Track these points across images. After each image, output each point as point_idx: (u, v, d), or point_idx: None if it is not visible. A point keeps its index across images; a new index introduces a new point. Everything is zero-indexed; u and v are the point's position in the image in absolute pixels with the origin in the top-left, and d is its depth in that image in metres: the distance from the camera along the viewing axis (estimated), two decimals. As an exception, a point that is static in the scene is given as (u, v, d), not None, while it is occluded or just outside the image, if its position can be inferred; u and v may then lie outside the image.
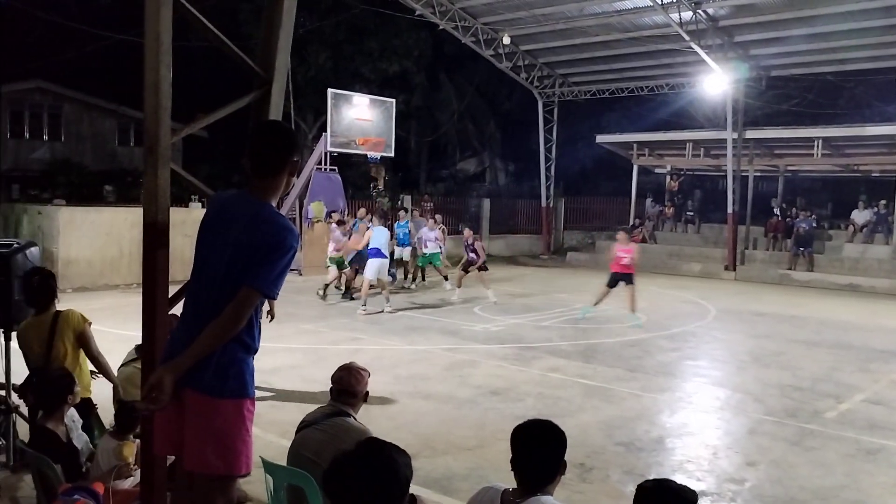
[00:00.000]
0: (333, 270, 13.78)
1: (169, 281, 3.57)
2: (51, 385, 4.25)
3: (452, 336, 10.56)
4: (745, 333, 11.62)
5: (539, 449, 2.60)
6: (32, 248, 5.02)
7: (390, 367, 8.46)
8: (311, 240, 16.95)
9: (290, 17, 4.04)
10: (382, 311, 12.12)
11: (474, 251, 14.09)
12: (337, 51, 25.48)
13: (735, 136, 19.84)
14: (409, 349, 9.67)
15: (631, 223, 23.13)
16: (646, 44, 19.10)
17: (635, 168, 24.33)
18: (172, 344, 2.97)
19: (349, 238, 13.80)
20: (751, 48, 19.22)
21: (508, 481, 2.65)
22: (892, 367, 9.39)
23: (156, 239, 3.50)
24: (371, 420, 5.01)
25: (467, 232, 14.66)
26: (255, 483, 4.18)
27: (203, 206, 12.65)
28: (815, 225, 20.25)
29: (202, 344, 2.75)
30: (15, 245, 4.90)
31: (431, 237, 15.13)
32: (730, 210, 20.09)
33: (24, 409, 4.88)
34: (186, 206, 15.50)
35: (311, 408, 3.94)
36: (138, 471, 3.88)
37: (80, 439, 4.33)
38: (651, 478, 2.53)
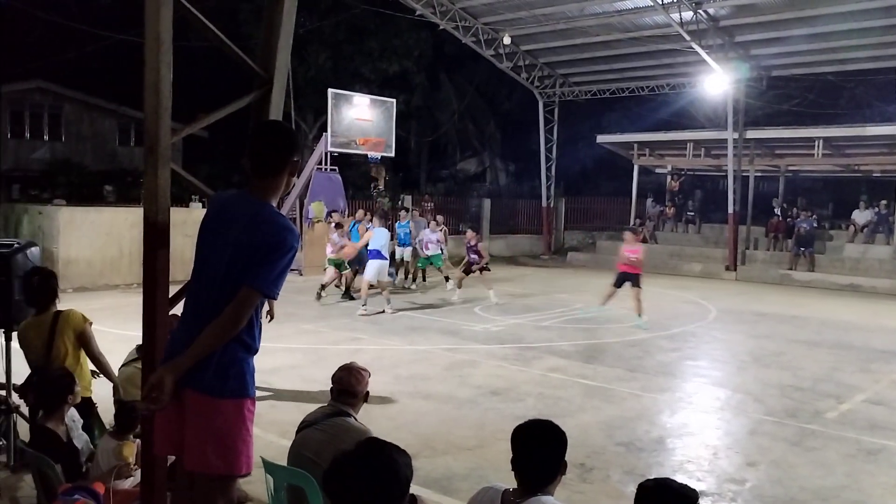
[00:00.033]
0: (331, 271, 13.76)
1: (169, 281, 3.57)
2: (51, 385, 4.25)
3: (453, 336, 10.55)
4: (746, 334, 11.61)
5: (539, 449, 2.59)
6: (33, 248, 5.03)
7: (390, 367, 8.45)
8: (311, 240, 16.94)
9: (291, 17, 4.04)
10: (383, 312, 12.12)
11: (476, 252, 14.06)
12: (337, 51, 25.47)
13: (736, 136, 19.84)
14: (409, 349, 9.66)
15: (632, 223, 23.10)
16: (646, 44, 19.09)
17: (636, 168, 24.29)
18: (173, 344, 2.97)
19: (348, 239, 13.78)
20: (751, 48, 19.20)
21: (509, 481, 2.65)
22: (892, 368, 9.38)
23: (156, 239, 3.50)
24: (371, 420, 5.01)
25: (470, 233, 14.64)
26: (256, 483, 4.18)
27: (203, 207, 12.65)
28: (815, 225, 20.23)
29: (202, 344, 2.75)
30: (15, 245, 4.91)
31: (433, 239, 15.06)
32: (730, 210, 20.09)
33: (25, 409, 4.88)
34: (187, 206, 15.49)
35: (311, 408, 3.94)
36: (138, 471, 3.88)
37: (80, 439, 4.33)
38: (651, 478, 2.53)
